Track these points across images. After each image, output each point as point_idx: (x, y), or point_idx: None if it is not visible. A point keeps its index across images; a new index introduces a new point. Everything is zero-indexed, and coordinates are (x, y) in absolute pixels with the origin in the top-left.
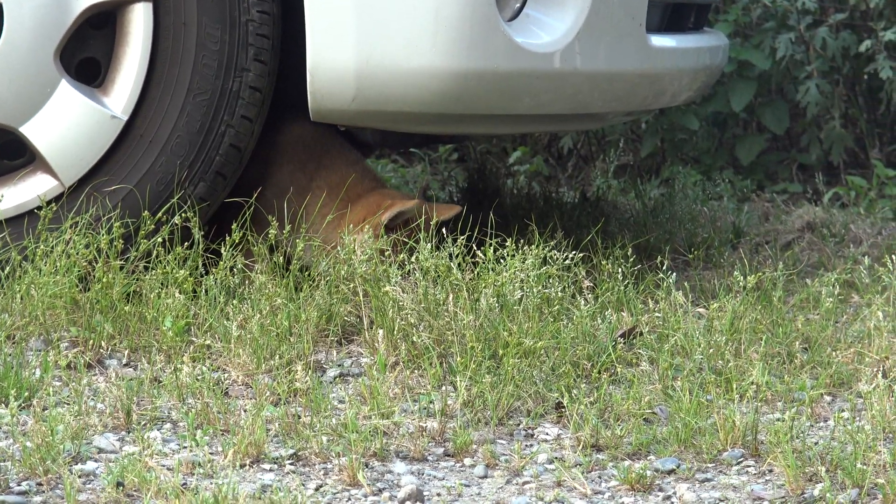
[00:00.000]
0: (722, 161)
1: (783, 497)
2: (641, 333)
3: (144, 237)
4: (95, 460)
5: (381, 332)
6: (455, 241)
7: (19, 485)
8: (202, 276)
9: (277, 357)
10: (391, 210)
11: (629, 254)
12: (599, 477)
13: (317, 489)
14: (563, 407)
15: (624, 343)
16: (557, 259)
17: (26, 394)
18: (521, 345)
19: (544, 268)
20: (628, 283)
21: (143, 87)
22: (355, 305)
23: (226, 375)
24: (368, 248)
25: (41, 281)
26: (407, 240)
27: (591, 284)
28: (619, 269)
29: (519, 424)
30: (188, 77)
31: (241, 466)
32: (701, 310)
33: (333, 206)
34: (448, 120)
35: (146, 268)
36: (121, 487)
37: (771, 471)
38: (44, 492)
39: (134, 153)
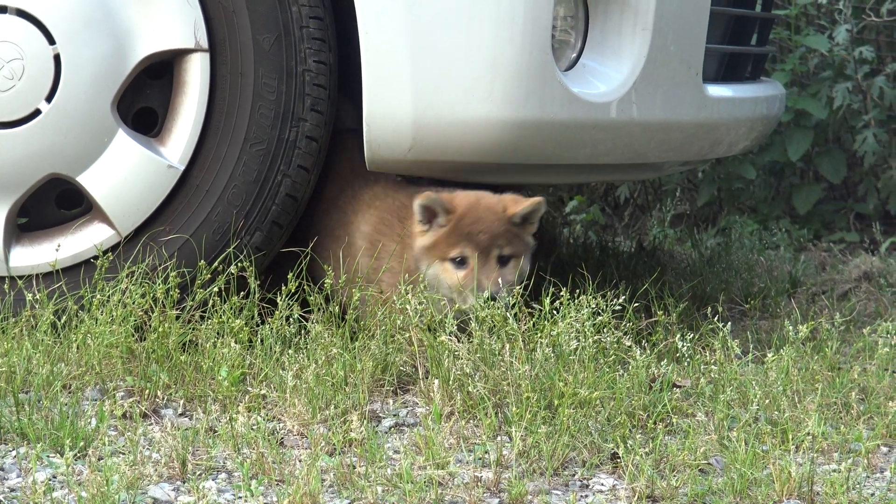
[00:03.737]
0: (779, 210)
1: None
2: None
3: (200, 287)
4: None
5: (436, 381)
6: (510, 291)
7: None
8: (258, 326)
9: (333, 407)
10: (416, 207)
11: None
12: None
13: None
14: (619, 457)
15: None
16: (612, 303)
17: (82, 443)
18: (576, 395)
19: (599, 317)
20: (683, 332)
21: (199, 136)
22: (411, 355)
23: (281, 425)
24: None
25: (97, 330)
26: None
27: (648, 331)
28: (674, 318)
29: (574, 475)
30: (245, 127)
31: None
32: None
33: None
34: (505, 169)
35: (202, 317)
36: None
37: None
38: None
39: (190, 203)
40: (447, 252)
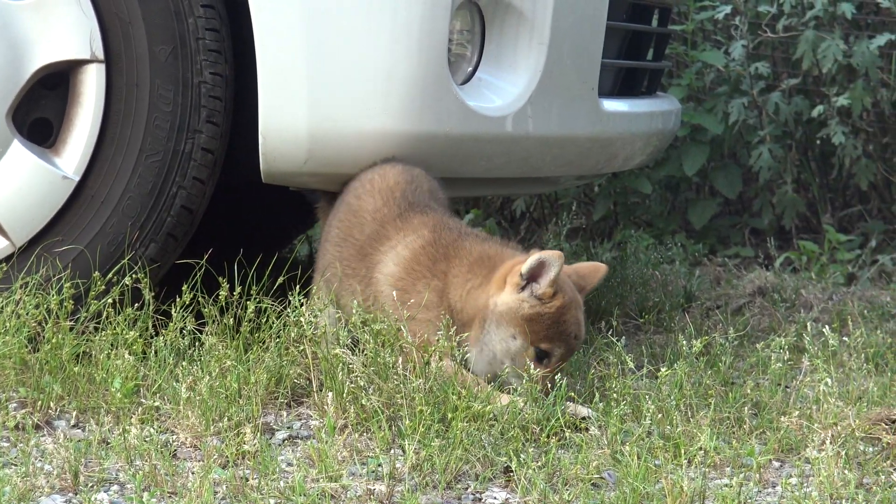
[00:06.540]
0: (674, 225)
1: None
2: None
3: (95, 298)
4: None
5: (330, 394)
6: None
7: None
8: (152, 338)
9: (226, 419)
10: (530, 258)
11: None
12: None
13: None
14: (512, 471)
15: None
16: None
17: None
18: (470, 409)
19: None
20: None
21: (94, 147)
22: (305, 368)
23: (174, 437)
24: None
25: None
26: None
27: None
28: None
29: (467, 488)
30: (140, 138)
31: None
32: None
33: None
34: None
35: (96, 329)
36: None
37: None
38: None
39: (85, 214)
40: (539, 341)
